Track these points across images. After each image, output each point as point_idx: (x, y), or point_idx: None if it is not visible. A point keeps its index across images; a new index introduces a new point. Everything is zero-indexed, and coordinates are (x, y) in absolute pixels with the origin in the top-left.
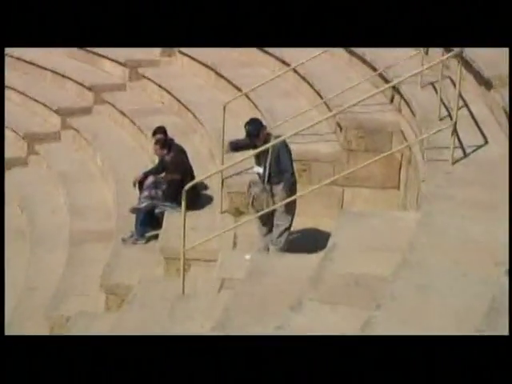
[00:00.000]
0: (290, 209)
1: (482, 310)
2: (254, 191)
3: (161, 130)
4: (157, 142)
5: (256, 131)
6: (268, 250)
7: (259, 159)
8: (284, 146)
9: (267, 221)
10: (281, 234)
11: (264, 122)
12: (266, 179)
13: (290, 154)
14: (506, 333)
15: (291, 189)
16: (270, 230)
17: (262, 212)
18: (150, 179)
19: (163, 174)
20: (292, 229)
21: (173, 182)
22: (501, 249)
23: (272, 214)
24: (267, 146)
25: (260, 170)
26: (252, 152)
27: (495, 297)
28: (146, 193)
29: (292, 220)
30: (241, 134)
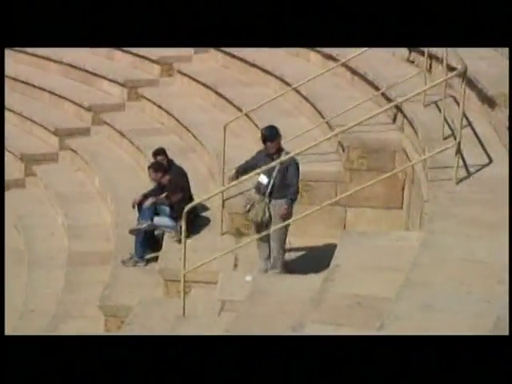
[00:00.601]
0: (285, 226)
1: (487, 329)
2: (252, 199)
3: (160, 152)
4: (149, 167)
5: (272, 136)
6: (267, 272)
7: (267, 170)
8: (294, 162)
9: (266, 236)
10: (277, 257)
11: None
12: (268, 191)
13: (298, 171)
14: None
15: (292, 205)
16: (270, 253)
17: (263, 233)
18: (150, 200)
19: (163, 195)
20: (295, 249)
21: (176, 202)
22: (505, 268)
23: (268, 227)
24: (278, 161)
25: (265, 180)
26: (258, 170)
27: (500, 316)
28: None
29: (286, 237)
30: (241, 154)
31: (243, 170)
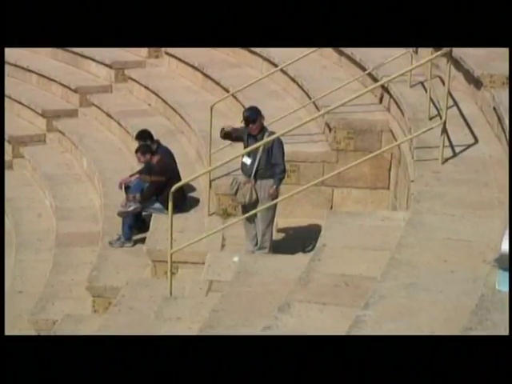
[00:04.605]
0: (273, 206)
1: (471, 308)
2: (239, 180)
3: (145, 134)
4: (137, 150)
5: (254, 116)
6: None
7: (251, 150)
8: (278, 141)
9: (252, 216)
10: (264, 237)
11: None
12: (254, 172)
13: (283, 150)
14: (497, 331)
15: (280, 184)
16: (256, 233)
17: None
18: (136, 181)
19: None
20: (281, 229)
21: (155, 183)
22: (489, 247)
23: (255, 208)
24: (261, 142)
25: (248, 161)
26: (244, 150)
27: (484, 294)
28: (131, 196)
29: (274, 219)
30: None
31: (231, 135)
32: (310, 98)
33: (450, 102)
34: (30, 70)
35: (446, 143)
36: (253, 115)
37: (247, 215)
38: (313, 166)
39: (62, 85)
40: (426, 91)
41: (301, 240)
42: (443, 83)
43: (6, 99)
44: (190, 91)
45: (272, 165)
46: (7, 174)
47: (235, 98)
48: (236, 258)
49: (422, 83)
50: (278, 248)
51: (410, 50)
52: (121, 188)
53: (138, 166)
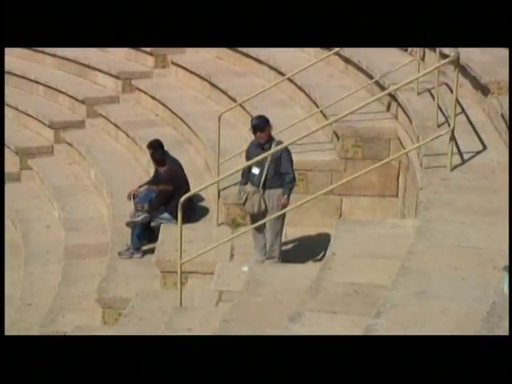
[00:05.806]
0: (282, 215)
1: (482, 315)
2: (247, 190)
3: (157, 144)
4: (151, 156)
5: (263, 125)
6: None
7: (258, 161)
8: (286, 151)
9: (261, 226)
10: (273, 247)
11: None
12: (262, 182)
13: (292, 159)
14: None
15: (290, 193)
16: (265, 243)
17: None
18: (144, 192)
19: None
20: (290, 239)
21: (162, 192)
22: (500, 254)
23: (264, 217)
24: (269, 152)
25: (257, 171)
26: (252, 160)
27: (495, 302)
28: (139, 205)
29: (282, 228)
30: (236, 144)
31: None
32: (317, 107)
33: (458, 109)
34: (36, 82)
35: (455, 150)
36: (261, 123)
37: (256, 225)
38: (321, 175)
39: (69, 96)
40: (434, 98)
41: (310, 249)
42: (450, 90)
43: (14, 111)
44: (197, 101)
45: (280, 174)
46: (15, 186)
47: (242, 107)
48: (245, 268)
49: (429, 90)
50: (287, 257)
51: (417, 56)
52: (130, 199)
53: (147, 177)
